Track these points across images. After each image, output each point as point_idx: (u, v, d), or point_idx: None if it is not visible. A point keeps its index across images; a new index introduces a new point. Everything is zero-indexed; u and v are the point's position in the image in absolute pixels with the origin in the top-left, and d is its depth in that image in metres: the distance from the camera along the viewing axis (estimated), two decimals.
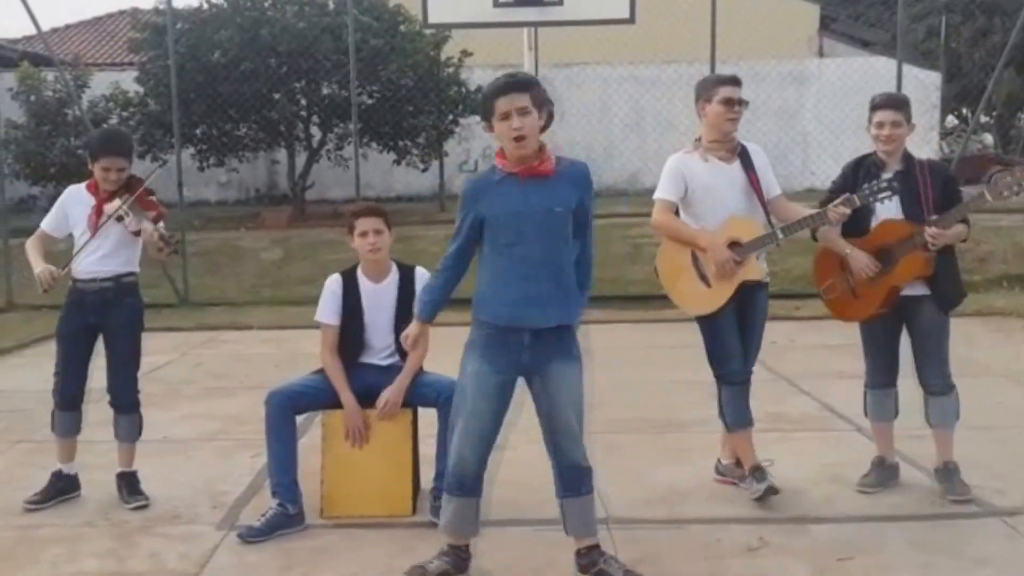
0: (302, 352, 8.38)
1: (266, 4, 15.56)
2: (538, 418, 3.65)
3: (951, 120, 31.95)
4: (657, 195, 4.53)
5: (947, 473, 4.53)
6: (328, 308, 4.45)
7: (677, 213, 4.56)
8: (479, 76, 16.55)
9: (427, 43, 15.86)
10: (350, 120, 12.60)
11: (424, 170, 17.07)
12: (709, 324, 4.47)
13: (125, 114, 15.75)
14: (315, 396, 4.36)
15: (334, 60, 14.86)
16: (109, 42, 24.09)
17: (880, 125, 4.39)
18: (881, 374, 4.62)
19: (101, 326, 4.58)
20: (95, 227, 4.48)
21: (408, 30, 15.64)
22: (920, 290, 4.41)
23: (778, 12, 21.09)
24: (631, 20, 9.39)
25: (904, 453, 5.14)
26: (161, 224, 4.51)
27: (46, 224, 4.69)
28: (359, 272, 4.46)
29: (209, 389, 7.19)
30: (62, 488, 4.68)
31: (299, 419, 4.42)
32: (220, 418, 6.29)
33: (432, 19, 9.56)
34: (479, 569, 3.81)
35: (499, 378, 3.53)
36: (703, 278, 4.43)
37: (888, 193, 4.27)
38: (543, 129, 3.47)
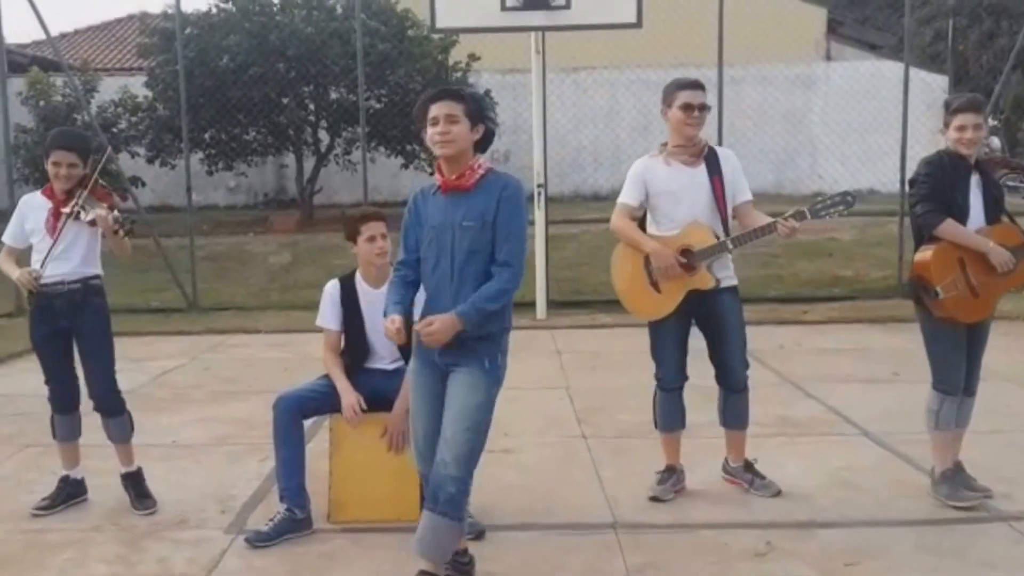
0: (311, 356, 8.38)
1: (274, 9, 15.59)
2: None
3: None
4: (619, 199, 4.60)
5: (957, 471, 4.56)
6: (328, 313, 4.51)
7: (645, 218, 4.62)
8: (487, 80, 16.61)
9: (435, 47, 15.88)
10: (358, 124, 12.62)
11: (432, 174, 17.00)
12: (654, 328, 4.58)
13: (134, 119, 15.79)
14: (323, 400, 4.37)
15: (342, 65, 14.88)
16: (118, 47, 24.16)
17: (962, 128, 4.37)
18: (960, 379, 4.49)
19: (72, 328, 4.57)
20: (55, 229, 4.48)
21: (416, 34, 15.66)
22: None
23: (785, 15, 21.05)
24: (638, 24, 9.40)
25: (909, 456, 5.16)
26: (116, 212, 4.45)
27: (7, 237, 4.67)
28: (358, 277, 4.49)
29: (218, 393, 7.21)
30: (70, 493, 4.71)
31: (306, 423, 4.42)
32: (229, 422, 6.31)
33: (440, 24, 9.58)
34: (486, 573, 3.81)
35: (422, 379, 3.62)
36: (653, 284, 4.47)
37: (842, 207, 4.33)
38: (479, 145, 3.55)
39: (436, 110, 3.48)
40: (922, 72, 18.50)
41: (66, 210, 4.47)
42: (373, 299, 4.41)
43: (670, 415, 4.72)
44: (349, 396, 4.32)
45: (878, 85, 18.77)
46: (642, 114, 19.95)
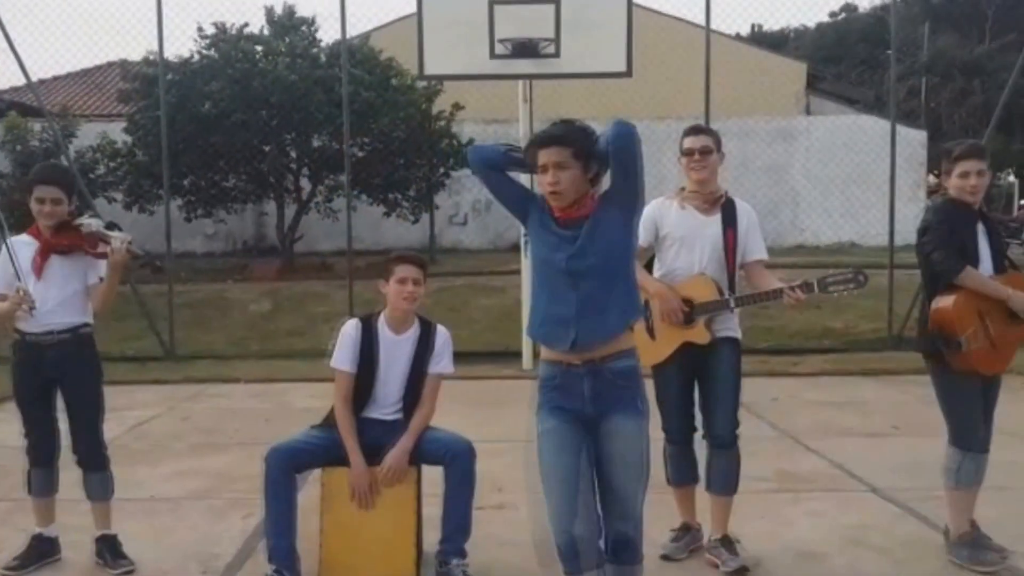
0: (292, 406, 8.18)
1: (257, 56, 15.53)
2: None
3: (931, 179, 32.36)
4: None
5: (971, 532, 4.37)
6: (345, 354, 4.25)
7: (652, 261, 4.49)
8: (470, 129, 16.55)
9: (419, 96, 15.85)
10: (340, 172, 12.50)
11: (414, 222, 16.97)
12: (654, 376, 4.39)
13: (113, 164, 15.61)
14: (316, 453, 4.15)
15: (325, 112, 14.80)
16: (98, 93, 24.01)
17: (965, 175, 4.25)
18: (980, 434, 4.34)
19: (59, 380, 4.34)
20: (41, 269, 4.26)
21: (400, 83, 15.63)
22: None
23: (765, 69, 21.29)
24: (628, 74, 9.33)
25: (922, 514, 4.99)
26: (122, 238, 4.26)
27: None
28: (381, 320, 4.29)
29: (197, 445, 6.95)
30: (43, 551, 4.43)
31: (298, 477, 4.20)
32: (210, 475, 6.05)
33: (428, 70, 9.47)
34: None
35: (565, 439, 3.33)
36: (650, 330, 4.33)
37: (852, 286, 4.19)
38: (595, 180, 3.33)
39: (544, 157, 3.24)
40: (902, 127, 18.67)
41: (83, 220, 4.26)
42: (392, 345, 4.23)
43: (680, 469, 4.51)
44: (363, 481, 4.08)
45: (858, 139, 18.93)
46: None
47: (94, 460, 4.43)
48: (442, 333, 4.34)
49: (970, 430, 4.31)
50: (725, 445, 4.35)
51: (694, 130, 4.46)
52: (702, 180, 4.36)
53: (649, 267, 4.48)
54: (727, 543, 4.35)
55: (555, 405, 3.29)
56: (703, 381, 4.39)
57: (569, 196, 3.23)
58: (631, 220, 3.30)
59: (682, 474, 4.51)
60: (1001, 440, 6.32)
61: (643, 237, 4.34)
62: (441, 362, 4.31)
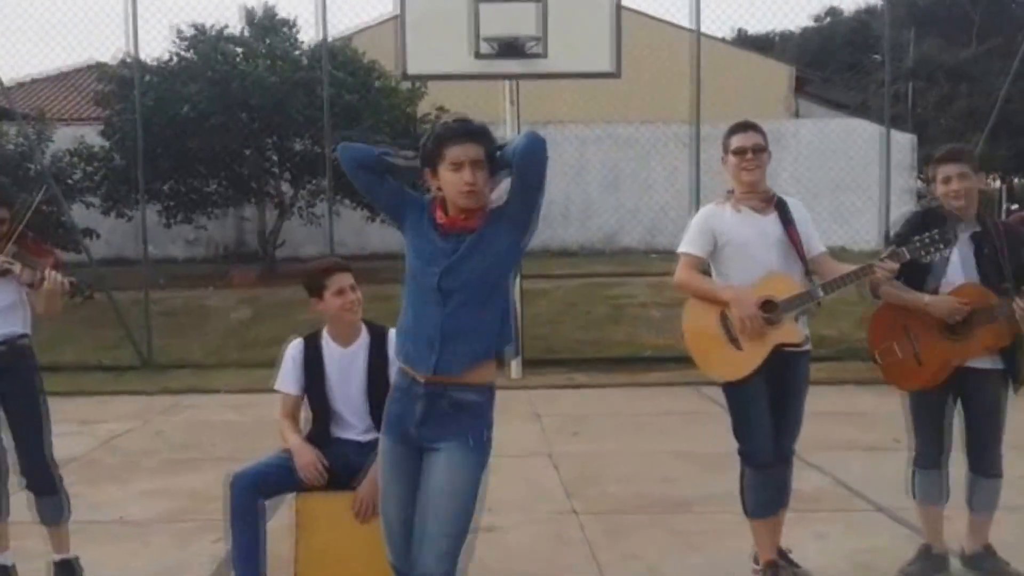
0: (272, 419, 7.82)
1: (237, 59, 15.22)
2: None
3: (919, 185, 32.41)
4: (681, 249, 4.09)
5: (987, 556, 4.17)
6: (288, 376, 4.02)
7: (708, 273, 4.15)
8: None
9: (402, 99, 15.58)
10: (322, 176, 12.20)
11: (399, 227, 16.70)
12: (736, 393, 4.01)
13: (89, 168, 15.26)
14: (286, 476, 3.84)
15: (307, 115, 14.50)
16: (76, 96, 23.63)
17: (946, 180, 4.00)
18: (933, 452, 4.17)
19: None
20: None
21: (383, 85, 15.36)
22: (986, 363, 4.02)
23: (753, 73, 21.11)
24: (616, 74, 9.09)
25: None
26: (62, 277, 3.94)
27: None
28: (325, 335, 4.02)
29: (171, 461, 6.65)
30: None
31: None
32: (181, 495, 5.76)
33: (411, 70, 9.20)
34: None
35: (394, 457, 3.17)
36: (733, 340, 3.94)
37: (942, 246, 3.82)
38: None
39: (462, 153, 2.93)
40: (892, 131, 18.54)
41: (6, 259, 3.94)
42: (342, 360, 3.95)
43: (766, 496, 4.10)
44: (305, 454, 3.83)
45: (847, 143, 18.75)
46: (611, 170, 19.78)
47: (43, 483, 4.14)
48: (393, 338, 4.04)
49: (920, 444, 4.19)
50: (783, 463, 4.13)
51: (743, 127, 4.08)
52: (754, 181, 4.02)
53: None
54: (784, 557, 4.22)
55: (392, 421, 3.10)
56: (777, 395, 4.02)
57: (482, 199, 2.97)
58: (519, 241, 3.02)
59: (773, 503, 4.13)
60: (1014, 457, 6.12)
61: (700, 246, 4.04)
62: None
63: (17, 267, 3.94)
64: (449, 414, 2.98)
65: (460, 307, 2.93)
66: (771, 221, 4.01)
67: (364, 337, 4.01)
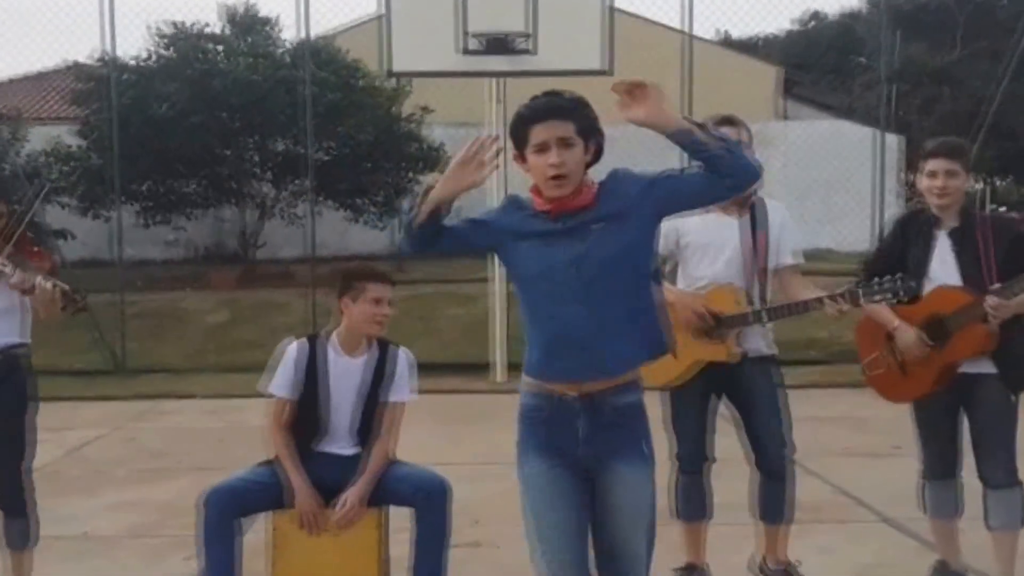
0: (249, 425, 7.58)
1: (217, 57, 14.96)
2: None
3: (905, 177, 32.55)
4: None
5: None
6: (285, 379, 3.72)
7: (675, 271, 4.00)
8: (439, 133, 16.04)
9: (386, 98, 15.33)
10: (304, 177, 11.99)
11: (382, 228, 16.48)
12: (669, 397, 3.94)
13: (66, 168, 14.95)
14: (262, 494, 3.60)
15: (288, 115, 14.25)
16: (54, 97, 23.28)
17: (932, 175, 3.78)
18: (940, 463, 3.97)
19: None
20: None
21: (366, 84, 15.12)
22: (983, 367, 3.78)
23: (740, 74, 20.96)
24: (608, 72, 8.87)
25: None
26: (59, 284, 3.64)
27: None
28: (333, 340, 3.76)
29: (142, 471, 6.38)
30: None
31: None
32: (152, 507, 5.51)
33: (397, 67, 8.96)
34: None
35: (558, 485, 2.80)
36: None
37: (902, 294, 3.60)
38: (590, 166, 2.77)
39: (544, 133, 2.63)
40: (878, 132, 18.47)
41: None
42: (344, 368, 3.70)
43: (691, 501, 4.02)
44: (308, 501, 3.57)
45: (836, 144, 18.63)
46: (598, 172, 19.61)
47: (15, 503, 3.87)
48: (403, 358, 3.81)
49: (926, 455, 4.01)
50: (775, 471, 3.95)
51: (724, 121, 3.87)
52: None
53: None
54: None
55: (542, 443, 2.73)
56: (739, 405, 3.93)
57: (574, 181, 2.67)
58: (657, 225, 2.77)
59: (692, 507, 4.04)
60: None
61: (661, 245, 3.83)
62: (400, 391, 3.78)
63: (9, 268, 3.66)
64: (615, 423, 2.71)
65: (606, 300, 2.62)
66: (738, 224, 3.87)
67: (373, 351, 3.79)
